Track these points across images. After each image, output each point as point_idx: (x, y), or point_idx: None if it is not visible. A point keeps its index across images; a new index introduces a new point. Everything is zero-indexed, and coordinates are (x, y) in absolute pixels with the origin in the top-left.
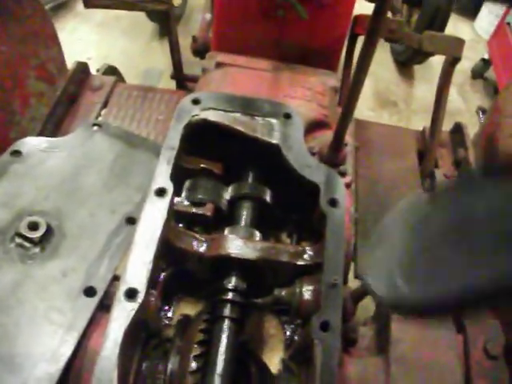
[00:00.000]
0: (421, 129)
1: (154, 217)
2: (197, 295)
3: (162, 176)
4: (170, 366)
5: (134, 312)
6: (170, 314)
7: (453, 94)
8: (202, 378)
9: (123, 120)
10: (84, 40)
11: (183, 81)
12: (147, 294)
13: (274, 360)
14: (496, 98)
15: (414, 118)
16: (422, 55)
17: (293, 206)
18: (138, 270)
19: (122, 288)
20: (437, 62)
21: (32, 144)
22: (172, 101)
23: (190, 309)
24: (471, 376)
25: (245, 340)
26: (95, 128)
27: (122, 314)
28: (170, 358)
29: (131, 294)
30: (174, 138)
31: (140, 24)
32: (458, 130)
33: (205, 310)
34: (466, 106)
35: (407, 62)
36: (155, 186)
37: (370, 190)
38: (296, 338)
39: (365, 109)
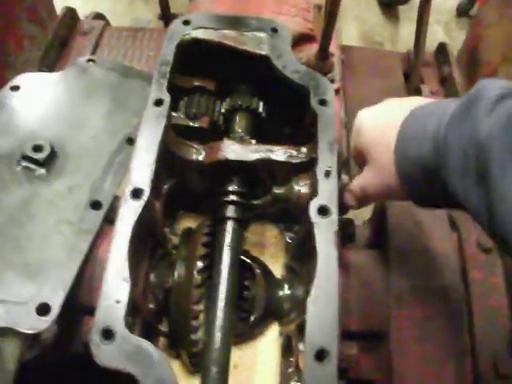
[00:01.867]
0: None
1: (153, 124)
2: (198, 210)
3: (159, 88)
4: (177, 271)
5: (140, 209)
6: (174, 230)
7: (438, 31)
8: (209, 277)
9: (115, 59)
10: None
11: (171, 20)
12: (151, 193)
13: (277, 266)
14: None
15: None
16: None
17: (284, 119)
18: (141, 172)
19: (128, 189)
20: None
21: (30, 79)
22: (161, 38)
23: (192, 223)
24: (467, 268)
25: (247, 249)
26: (90, 63)
27: (129, 212)
28: (177, 264)
29: (136, 193)
30: (167, 55)
31: None
32: (441, 49)
33: (207, 218)
34: (451, 44)
35: (391, 3)
36: (153, 97)
37: (357, 108)
38: (296, 238)
39: None
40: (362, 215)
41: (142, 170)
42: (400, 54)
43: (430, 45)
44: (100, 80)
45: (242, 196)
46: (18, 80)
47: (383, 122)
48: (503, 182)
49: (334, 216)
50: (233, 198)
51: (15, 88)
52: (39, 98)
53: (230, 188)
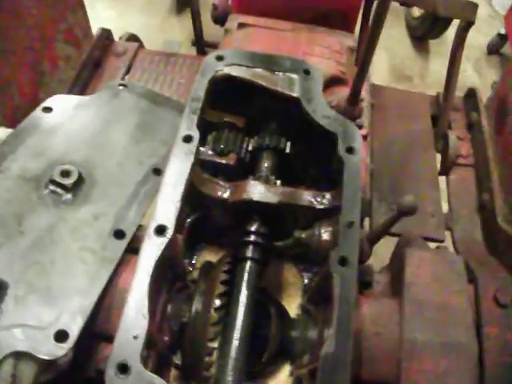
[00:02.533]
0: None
1: (181, 160)
2: (219, 243)
3: (189, 124)
4: (194, 306)
5: (163, 246)
6: (193, 262)
7: (468, 69)
8: (226, 315)
9: (146, 83)
10: (101, 17)
11: (204, 47)
12: (175, 231)
13: (292, 306)
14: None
15: (429, 92)
16: (437, 28)
17: (311, 160)
18: (166, 209)
19: (152, 225)
20: (452, 37)
21: (62, 101)
22: (193, 65)
23: (212, 256)
24: (482, 323)
25: (264, 287)
26: (121, 87)
27: (152, 248)
28: (195, 298)
29: (161, 230)
30: (199, 90)
31: (156, 0)
32: (471, 94)
33: (227, 254)
34: (481, 81)
35: (423, 36)
36: (182, 133)
37: (384, 151)
38: (313, 282)
39: (380, 83)
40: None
41: (167, 206)
42: (429, 97)
43: (459, 82)
44: (130, 106)
45: (263, 237)
46: (51, 101)
47: None
48: None
49: (354, 267)
50: (254, 238)
51: (47, 109)
52: (70, 120)
53: (252, 228)
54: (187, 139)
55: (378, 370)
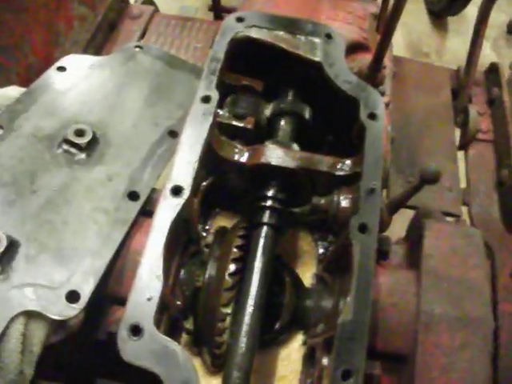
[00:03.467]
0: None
1: (199, 121)
2: (234, 209)
3: (207, 85)
4: (208, 271)
5: (179, 207)
6: (207, 227)
7: (486, 48)
8: (240, 281)
9: (162, 47)
10: None
11: (221, 12)
12: (192, 192)
13: (307, 275)
14: None
15: None
16: (456, 4)
17: (330, 127)
18: (183, 169)
19: (168, 185)
20: (471, 14)
21: (76, 61)
22: (210, 30)
23: (227, 222)
24: (497, 299)
25: (279, 255)
26: (137, 49)
27: (168, 209)
28: (209, 263)
29: (177, 190)
30: (218, 51)
31: None
32: (493, 69)
33: (243, 220)
34: (500, 61)
35: (441, 13)
36: (200, 93)
37: (403, 123)
38: (330, 251)
39: None
40: (396, 232)
41: (184, 167)
42: (450, 71)
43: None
44: (146, 68)
45: (280, 203)
46: (65, 61)
47: None
48: None
49: (374, 234)
50: (271, 203)
51: (61, 69)
52: (84, 81)
53: (269, 193)
54: (206, 99)
55: (393, 342)
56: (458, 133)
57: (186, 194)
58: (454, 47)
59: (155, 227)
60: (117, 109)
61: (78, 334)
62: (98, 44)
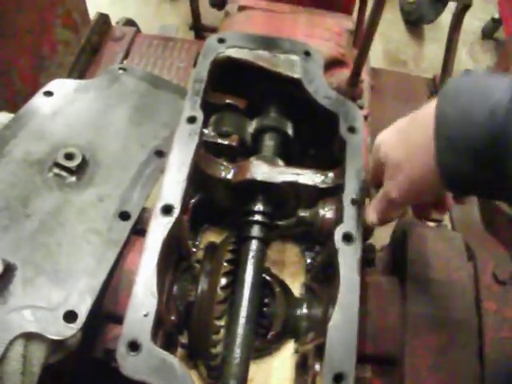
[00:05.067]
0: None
1: (186, 141)
2: (222, 225)
3: (192, 105)
4: (200, 285)
5: (170, 225)
6: (197, 243)
7: (462, 54)
8: (232, 293)
9: (145, 68)
10: (96, 3)
11: (201, 31)
12: (181, 210)
13: (296, 284)
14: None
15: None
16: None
17: (311, 141)
18: (172, 188)
19: (159, 205)
20: (445, 22)
21: (62, 85)
22: (192, 49)
23: (216, 237)
24: (480, 298)
25: (268, 266)
26: (121, 71)
27: (159, 227)
28: (200, 278)
29: (167, 209)
30: (201, 72)
31: None
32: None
33: (232, 235)
34: (475, 66)
35: (417, 21)
36: (186, 114)
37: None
38: (317, 261)
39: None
40: (380, 240)
41: (173, 186)
42: (426, 79)
43: (454, 67)
44: (130, 89)
45: (267, 217)
46: (51, 86)
47: (405, 123)
48: None
49: (358, 243)
50: (258, 218)
51: (48, 93)
52: (71, 104)
53: (256, 208)
54: (191, 120)
55: (382, 345)
56: None
57: (176, 212)
58: (431, 54)
59: (148, 246)
60: (104, 131)
61: (76, 352)
62: (82, 67)
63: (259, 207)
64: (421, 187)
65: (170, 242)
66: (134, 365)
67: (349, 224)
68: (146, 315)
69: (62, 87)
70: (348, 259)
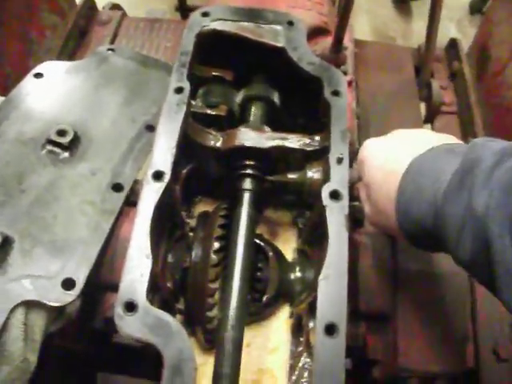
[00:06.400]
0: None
1: (174, 110)
2: (214, 196)
3: (179, 77)
4: (194, 251)
5: (161, 190)
6: (190, 214)
7: (451, 29)
8: (225, 257)
9: (133, 49)
10: None
11: (187, 11)
12: (172, 176)
13: (288, 250)
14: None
15: None
16: None
17: (298, 109)
18: (163, 155)
19: (150, 171)
20: None
21: (52, 67)
22: (179, 29)
23: (208, 208)
24: None
25: (261, 233)
26: (109, 52)
27: (151, 193)
28: (194, 244)
29: (158, 175)
30: (187, 44)
31: None
32: (452, 45)
33: (224, 202)
34: (464, 41)
35: None
36: (173, 85)
37: (370, 102)
38: (307, 224)
39: None
40: None
41: (163, 153)
42: (411, 49)
43: (442, 41)
44: (119, 69)
45: (257, 170)
46: (41, 68)
47: (387, 167)
48: (505, 259)
49: (345, 200)
50: (249, 171)
51: (39, 75)
52: (62, 85)
53: (247, 162)
54: (179, 90)
55: (374, 302)
56: (423, 107)
57: (167, 177)
58: (419, 30)
59: (141, 211)
60: (95, 108)
61: (75, 322)
62: (70, 51)
63: (250, 162)
64: (385, 229)
65: (162, 207)
66: (131, 324)
67: (335, 182)
68: (141, 275)
69: (52, 69)
70: (336, 215)
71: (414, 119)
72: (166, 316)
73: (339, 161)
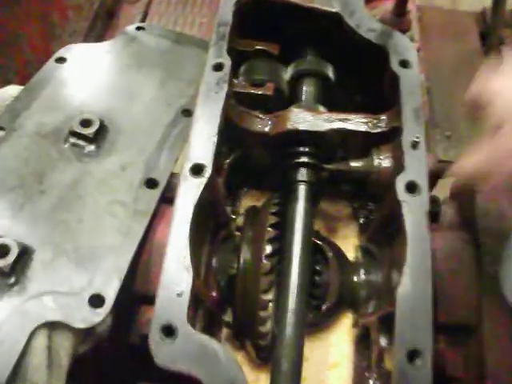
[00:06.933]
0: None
1: (213, 91)
2: (263, 187)
3: (217, 51)
4: (242, 255)
5: (202, 187)
6: (236, 209)
7: None
8: (279, 262)
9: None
10: None
11: None
12: (214, 169)
13: (350, 248)
14: None
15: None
16: None
17: (355, 85)
18: (202, 145)
19: (187, 165)
20: None
21: (76, 50)
22: (214, 3)
23: (257, 202)
24: None
25: (317, 229)
26: (139, 31)
27: (190, 190)
28: (242, 247)
29: (197, 169)
30: (225, 14)
31: None
32: None
33: (275, 196)
34: None
35: None
36: (211, 61)
37: (433, 73)
38: (372, 219)
39: None
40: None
41: (202, 143)
42: (475, 14)
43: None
44: (151, 48)
45: (313, 158)
46: (64, 51)
47: None
48: None
49: (425, 194)
50: (304, 159)
51: (61, 60)
52: (87, 69)
53: (302, 149)
54: (218, 67)
55: (456, 312)
56: None
57: (208, 172)
58: None
59: (178, 212)
60: (124, 95)
61: (109, 340)
62: (98, 33)
63: (305, 149)
64: None
65: (204, 206)
66: (170, 353)
67: (412, 171)
68: (179, 294)
69: (76, 52)
70: (414, 213)
71: None
72: (211, 343)
73: (414, 145)
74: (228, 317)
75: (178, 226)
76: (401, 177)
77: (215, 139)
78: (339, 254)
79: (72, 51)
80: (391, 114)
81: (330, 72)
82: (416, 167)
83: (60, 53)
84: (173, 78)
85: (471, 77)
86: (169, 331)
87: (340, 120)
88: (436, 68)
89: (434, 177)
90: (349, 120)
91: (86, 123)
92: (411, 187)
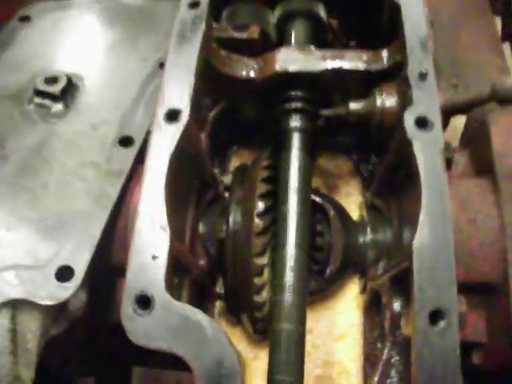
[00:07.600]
0: None
1: (189, 29)
2: (254, 145)
3: None
4: (231, 216)
5: (178, 135)
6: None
7: None
8: (273, 221)
9: None
10: None
11: None
12: (191, 113)
13: (353, 206)
14: None
15: None
16: None
17: (350, 25)
18: (177, 89)
19: (161, 111)
20: None
21: (41, 8)
22: None
23: (247, 159)
24: None
25: (316, 187)
26: None
27: (164, 140)
28: (231, 207)
29: (172, 115)
30: None
31: None
32: None
33: (266, 150)
34: None
35: None
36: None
37: (434, 16)
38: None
39: None
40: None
41: (177, 86)
42: None
43: None
44: (124, 4)
45: (308, 102)
46: (29, 10)
47: None
48: None
49: (438, 129)
50: (298, 104)
51: (25, 18)
52: (54, 28)
53: (294, 93)
54: (194, 4)
55: (477, 267)
56: (498, 23)
57: (185, 116)
58: None
59: (151, 165)
60: (95, 51)
61: (85, 319)
62: None
63: (296, 93)
64: None
65: (183, 160)
66: (146, 328)
67: (422, 105)
68: (155, 257)
69: (41, 10)
70: (427, 151)
71: (488, 37)
72: (195, 313)
73: (422, 76)
74: (220, 288)
75: (152, 180)
76: (409, 111)
77: (192, 81)
78: (342, 212)
79: (37, 9)
80: (392, 47)
81: (322, 11)
82: (426, 100)
83: (24, 11)
84: (149, 33)
85: (475, 20)
86: (144, 302)
87: (335, 58)
88: (437, 9)
89: (446, 115)
90: (345, 57)
91: (51, 80)
92: (422, 122)
